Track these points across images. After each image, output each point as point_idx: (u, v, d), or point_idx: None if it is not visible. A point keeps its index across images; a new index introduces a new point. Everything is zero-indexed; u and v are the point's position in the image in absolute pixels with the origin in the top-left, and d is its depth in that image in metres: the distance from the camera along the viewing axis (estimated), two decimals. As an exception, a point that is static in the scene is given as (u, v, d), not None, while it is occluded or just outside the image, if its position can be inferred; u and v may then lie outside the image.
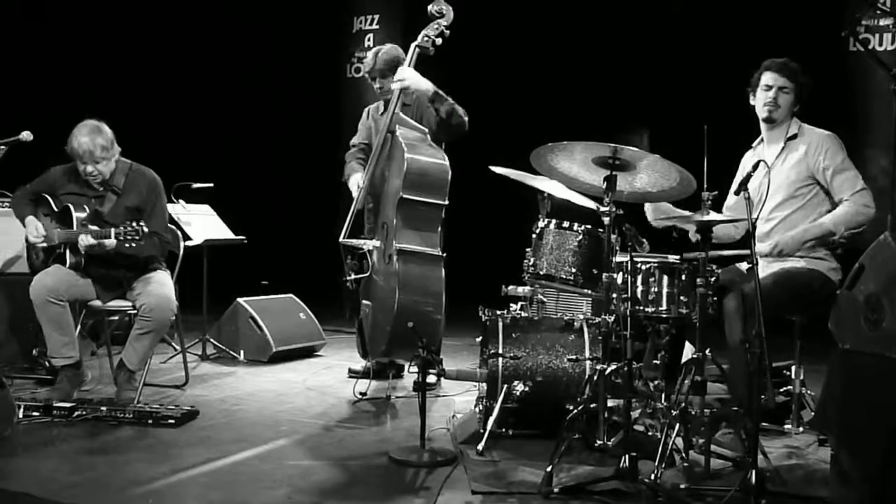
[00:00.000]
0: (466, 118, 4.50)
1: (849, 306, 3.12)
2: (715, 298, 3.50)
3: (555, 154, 3.50)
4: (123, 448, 3.61)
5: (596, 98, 7.44)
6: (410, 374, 4.08)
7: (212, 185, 5.83)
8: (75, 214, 4.26)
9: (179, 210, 5.49)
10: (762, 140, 4.11)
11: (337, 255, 4.54)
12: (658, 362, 3.62)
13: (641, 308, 3.47)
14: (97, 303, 4.37)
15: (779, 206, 3.93)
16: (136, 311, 4.29)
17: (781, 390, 3.97)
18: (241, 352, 5.60)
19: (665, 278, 3.48)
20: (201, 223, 5.59)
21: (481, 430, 3.63)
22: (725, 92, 4.52)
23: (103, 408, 3.97)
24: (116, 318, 4.83)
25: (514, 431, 3.72)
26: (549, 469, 3.11)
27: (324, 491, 3.14)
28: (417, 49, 4.47)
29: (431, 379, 4.26)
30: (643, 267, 3.49)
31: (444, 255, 4.17)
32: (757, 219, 3.67)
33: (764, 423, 3.70)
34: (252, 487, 3.15)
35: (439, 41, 4.44)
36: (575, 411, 3.37)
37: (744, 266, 3.88)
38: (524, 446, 3.63)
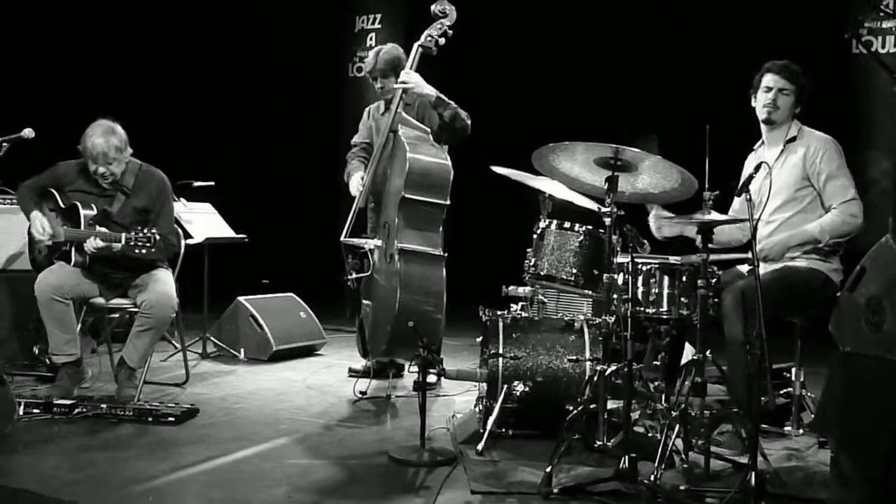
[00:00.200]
0: (469, 122, 4.50)
1: (850, 308, 3.12)
2: (716, 300, 3.50)
3: (556, 154, 3.50)
4: (124, 445, 3.61)
5: (597, 98, 7.45)
6: (411, 374, 4.09)
7: (213, 183, 5.83)
8: (83, 212, 4.23)
9: (181, 208, 5.47)
10: (763, 142, 4.11)
11: (338, 254, 4.54)
12: (658, 363, 3.63)
13: (642, 309, 3.47)
14: (100, 300, 4.36)
15: (780, 209, 3.92)
16: (136, 309, 4.29)
17: (781, 392, 3.96)
18: (242, 350, 5.60)
19: (666, 279, 3.48)
20: (202, 221, 5.59)
21: (481, 430, 3.63)
22: (727, 93, 4.52)
23: (103, 405, 3.97)
24: (117, 315, 4.83)
25: (514, 431, 3.72)
26: (548, 469, 3.11)
27: (323, 490, 3.14)
28: (420, 49, 4.47)
29: (431, 379, 4.26)
30: (644, 268, 3.49)
31: (446, 254, 4.18)
32: (758, 220, 3.67)
33: (764, 425, 3.70)
34: (252, 486, 3.15)
35: (442, 41, 4.44)
36: (575, 412, 3.37)
37: (744, 268, 3.88)
38: (524, 446, 3.63)
